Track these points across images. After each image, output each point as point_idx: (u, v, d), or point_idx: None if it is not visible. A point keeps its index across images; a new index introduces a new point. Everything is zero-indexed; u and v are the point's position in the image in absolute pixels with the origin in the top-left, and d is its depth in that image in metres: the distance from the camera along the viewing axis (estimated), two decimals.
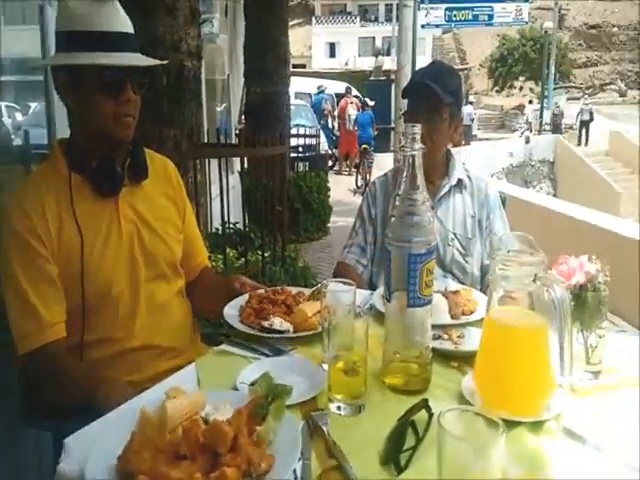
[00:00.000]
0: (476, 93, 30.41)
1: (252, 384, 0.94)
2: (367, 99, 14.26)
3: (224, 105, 6.66)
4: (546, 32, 24.18)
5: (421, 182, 1.03)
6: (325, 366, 1.05)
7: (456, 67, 28.91)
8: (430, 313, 1.07)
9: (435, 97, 1.71)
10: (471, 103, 22.69)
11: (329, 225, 7.13)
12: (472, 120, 22.11)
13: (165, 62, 1.38)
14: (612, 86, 36.25)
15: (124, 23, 1.30)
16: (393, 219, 1.04)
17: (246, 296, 1.39)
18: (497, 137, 21.37)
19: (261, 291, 1.42)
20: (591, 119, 20.58)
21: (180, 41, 2.63)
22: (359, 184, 11.61)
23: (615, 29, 41.34)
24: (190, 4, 2.68)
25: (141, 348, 1.36)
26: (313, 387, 1.04)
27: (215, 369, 1.16)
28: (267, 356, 1.19)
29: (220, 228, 3.15)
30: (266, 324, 1.24)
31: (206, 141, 3.68)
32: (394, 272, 1.05)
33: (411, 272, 1.02)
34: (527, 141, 17.66)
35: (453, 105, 1.76)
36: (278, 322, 1.24)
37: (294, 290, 1.45)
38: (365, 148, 12.08)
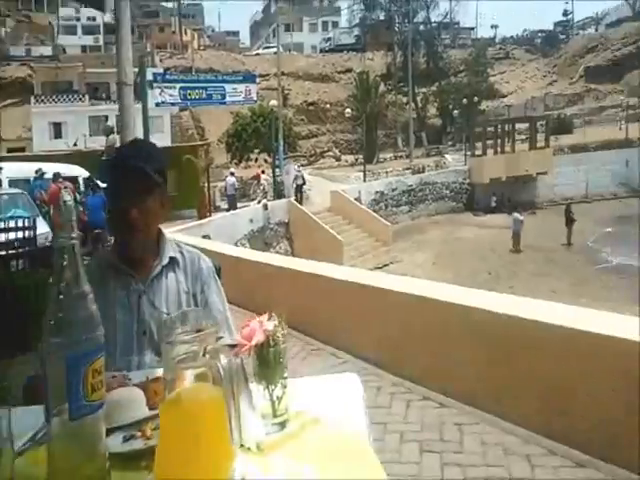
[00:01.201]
0: (217, 167, 31.69)
1: None
2: (98, 181, 12.86)
3: None
4: (272, 109, 26.80)
5: (82, 272, 0.94)
6: None
7: (196, 142, 29.72)
8: (102, 418, 0.94)
9: (147, 179, 1.64)
10: (232, 174, 23.63)
11: None
12: (236, 190, 23.12)
13: None
14: (330, 153, 42.00)
15: None
16: (51, 322, 0.89)
17: None
18: (240, 206, 22.56)
19: None
20: (303, 183, 23.48)
21: None
22: None
23: (328, 105, 48.49)
24: None
25: None
26: None
27: None
28: None
29: None
30: None
31: None
32: (52, 383, 0.88)
33: (72, 377, 0.88)
34: (265, 208, 19.17)
35: (162, 184, 1.71)
36: None
37: None
38: (99, 232, 11.16)
